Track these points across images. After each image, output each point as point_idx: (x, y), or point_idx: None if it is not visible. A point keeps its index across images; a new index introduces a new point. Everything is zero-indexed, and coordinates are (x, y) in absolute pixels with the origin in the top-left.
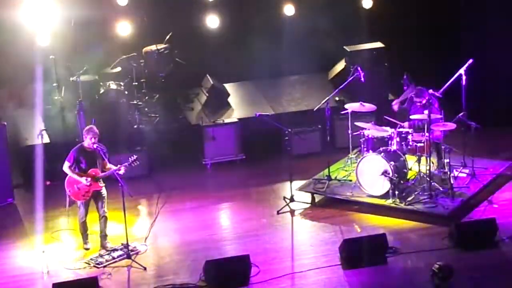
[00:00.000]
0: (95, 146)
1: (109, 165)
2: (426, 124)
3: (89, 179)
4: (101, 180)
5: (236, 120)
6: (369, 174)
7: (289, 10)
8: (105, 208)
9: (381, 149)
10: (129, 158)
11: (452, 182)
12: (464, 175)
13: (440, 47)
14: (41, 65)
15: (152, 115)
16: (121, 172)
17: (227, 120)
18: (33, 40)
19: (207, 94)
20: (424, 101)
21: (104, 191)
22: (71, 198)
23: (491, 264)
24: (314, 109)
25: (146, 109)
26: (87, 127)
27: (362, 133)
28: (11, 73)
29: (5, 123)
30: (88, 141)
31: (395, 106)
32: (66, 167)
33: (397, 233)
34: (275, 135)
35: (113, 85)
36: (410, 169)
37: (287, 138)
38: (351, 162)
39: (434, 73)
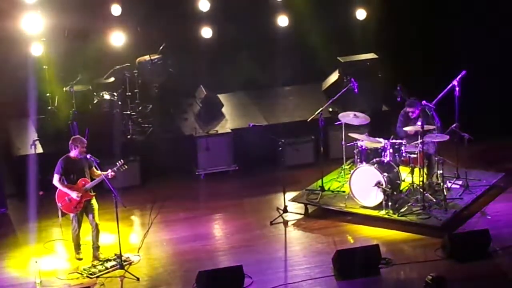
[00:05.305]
0: (88, 156)
1: (98, 172)
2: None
3: (80, 194)
4: (91, 189)
5: (230, 130)
6: (362, 185)
7: (282, 21)
8: (97, 220)
9: (374, 160)
10: (117, 163)
11: (445, 193)
12: (457, 186)
13: (434, 58)
14: (34, 75)
15: (146, 125)
16: (110, 176)
17: (220, 131)
18: (27, 50)
19: (200, 105)
20: (417, 112)
21: (94, 202)
22: (63, 211)
23: (484, 275)
24: (308, 120)
25: (139, 119)
26: (74, 137)
27: (355, 144)
28: (4, 83)
29: None
30: (77, 152)
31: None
32: (56, 180)
33: (390, 244)
34: (269, 146)
35: (106, 95)
36: (403, 180)
37: (280, 149)
38: (344, 173)
39: (427, 84)
